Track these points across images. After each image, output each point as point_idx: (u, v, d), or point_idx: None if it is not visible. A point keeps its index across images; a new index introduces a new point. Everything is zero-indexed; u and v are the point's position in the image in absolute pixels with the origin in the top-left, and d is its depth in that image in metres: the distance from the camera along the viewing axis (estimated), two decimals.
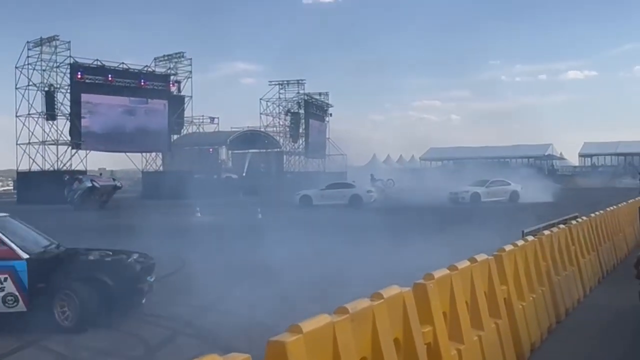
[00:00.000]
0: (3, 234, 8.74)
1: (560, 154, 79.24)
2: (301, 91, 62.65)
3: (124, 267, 9.03)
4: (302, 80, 62.42)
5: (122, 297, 8.77)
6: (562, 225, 10.01)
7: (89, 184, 35.72)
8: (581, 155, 79.37)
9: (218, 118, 60.00)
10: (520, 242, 7.73)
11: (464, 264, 5.91)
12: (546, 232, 9.00)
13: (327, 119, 67.50)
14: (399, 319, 4.53)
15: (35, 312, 8.44)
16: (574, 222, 10.76)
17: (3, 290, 8.42)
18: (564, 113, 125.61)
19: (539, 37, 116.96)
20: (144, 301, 9.20)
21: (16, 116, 47.63)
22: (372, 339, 4.13)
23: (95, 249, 9.96)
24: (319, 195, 36.30)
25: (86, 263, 9.09)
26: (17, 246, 8.68)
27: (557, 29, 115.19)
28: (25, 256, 8.61)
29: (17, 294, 8.45)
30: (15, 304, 8.43)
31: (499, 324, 6.25)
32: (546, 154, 73.23)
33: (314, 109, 64.80)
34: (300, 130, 62.68)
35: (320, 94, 65.77)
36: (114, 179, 41.13)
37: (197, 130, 58.25)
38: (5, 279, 8.43)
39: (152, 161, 54.42)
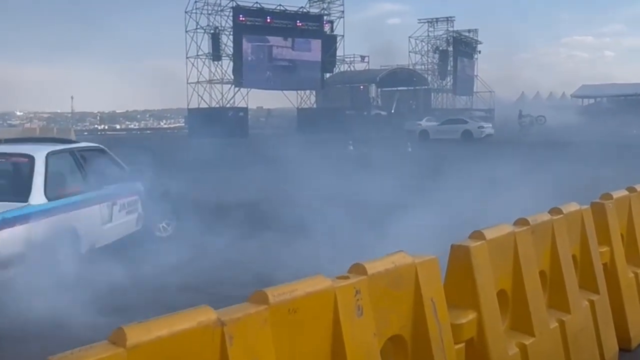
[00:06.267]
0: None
1: None
2: (450, 29, 62.67)
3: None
4: (451, 17, 62.43)
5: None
6: None
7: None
8: None
9: (368, 57, 61.43)
10: None
11: None
12: None
13: (475, 56, 67.03)
14: (577, 235, 4.42)
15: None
16: None
17: (137, 211, 8.97)
18: None
19: None
20: None
21: (186, 57, 51.76)
22: (551, 253, 4.06)
23: None
24: None
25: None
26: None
27: None
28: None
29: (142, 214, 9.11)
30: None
31: None
32: None
33: (462, 46, 64.53)
34: (449, 68, 62.89)
35: (469, 31, 65.31)
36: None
37: (348, 69, 60.26)
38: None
39: (306, 98, 57.45)
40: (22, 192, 7.09)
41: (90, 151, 8.95)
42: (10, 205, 6.78)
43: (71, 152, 8.26)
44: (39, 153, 7.67)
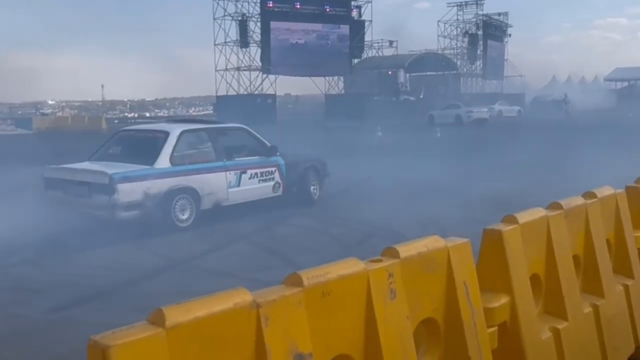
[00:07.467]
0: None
1: None
2: (479, 12, 61.91)
3: (324, 162, 12.04)
4: (480, 0, 61.56)
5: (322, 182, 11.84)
6: None
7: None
8: None
9: (396, 42, 60.93)
10: None
11: None
12: None
13: (505, 39, 66.17)
14: (611, 219, 4.36)
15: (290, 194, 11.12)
16: None
17: (273, 179, 10.90)
18: None
19: None
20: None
21: (214, 45, 52.06)
22: (584, 237, 4.01)
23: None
24: None
25: (304, 157, 11.78)
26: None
27: None
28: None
29: (280, 182, 10.98)
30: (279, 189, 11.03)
31: None
32: None
33: (492, 30, 63.71)
34: (478, 52, 62.17)
35: (499, 14, 64.45)
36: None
37: (377, 54, 59.84)
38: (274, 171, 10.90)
39: (334, 85, 57.32)
40: (151, 158, 9.33)
41: (231, 130, 11.09)
42: (138, 167, 9.22)
43: (207, 130, 10.27)
44: (174, 130, 9.78)
